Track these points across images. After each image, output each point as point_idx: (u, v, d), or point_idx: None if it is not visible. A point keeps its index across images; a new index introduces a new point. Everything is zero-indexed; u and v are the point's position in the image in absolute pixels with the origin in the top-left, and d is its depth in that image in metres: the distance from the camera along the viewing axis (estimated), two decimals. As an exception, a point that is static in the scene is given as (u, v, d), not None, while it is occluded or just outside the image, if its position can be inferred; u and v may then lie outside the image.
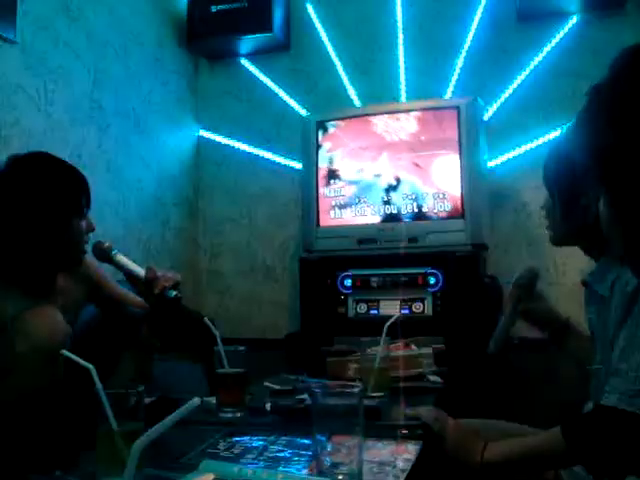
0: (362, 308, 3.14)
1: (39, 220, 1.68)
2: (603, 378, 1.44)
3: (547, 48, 3.48)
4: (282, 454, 1.32)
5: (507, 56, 3.56)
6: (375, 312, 3.12)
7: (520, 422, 1.87)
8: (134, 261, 1.91)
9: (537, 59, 3.49)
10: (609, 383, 1.34)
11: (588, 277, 1.60)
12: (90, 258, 1.92)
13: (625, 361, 1.32)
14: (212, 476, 0.89)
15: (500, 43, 3.57)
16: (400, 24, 3.70)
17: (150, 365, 1.92)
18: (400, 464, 1.24)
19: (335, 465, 1.09)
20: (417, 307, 3.04)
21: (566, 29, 3.46)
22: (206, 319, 1.77)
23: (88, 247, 1.86)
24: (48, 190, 1.71)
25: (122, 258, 1.86)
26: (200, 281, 4.02)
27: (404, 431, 1.45)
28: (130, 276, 1.88)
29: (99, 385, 1.15)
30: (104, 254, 1.85)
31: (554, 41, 3.47)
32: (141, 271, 1.84)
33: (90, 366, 1.19)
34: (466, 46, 3.59)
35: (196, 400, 0.67)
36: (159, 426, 0.66)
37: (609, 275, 1.49)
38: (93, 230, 1.83)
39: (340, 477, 1.07)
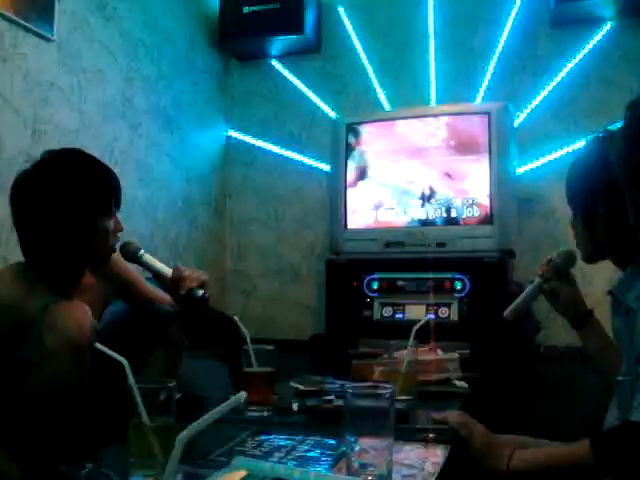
0: (387, 311, 3.14)
1: (68, 218, 1.69)
2: (629, 390, 1.42)
3: (580, 55, 3.45)
4: (310, 454, 1.32)
5: (539, 62, 3.54)
6: (400, 316, 3.11)
7: (543, 430, 1.85)
8: (161, 260, 1.92)
9: (569, 66, 3.47)
10: (636, 398, 1.32)
11: (615, 287, 1.58)
12: (118, 257, 1.93)
13: None
14: (244, 472, 0.89)
15: (532, 49, 3.56)
16: (432, 28, 3.70)
17: (178, 363, 1.92)
18: (429, 468, 1.24)
19: (364, 466, 1.10)
20: (443, 312, 3.03)
21: (599, 36, 3.43)
22: (235, 318, 1.78)
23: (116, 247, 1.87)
24: (78, 188, 1.71)
25: (149, 258, 1.86)
26: (225, 281, 4.04)
27: (432, 435, 1.45)
28: (157, 276, 1.88)
29: (132, 379, 1.17)
30: (131, 255, 1.86)
31: (587, 48, 3.44)
32: (168, 271, 1.84)
33: (124, 360, 1.20)
34: (497, 51, 3.57)
35: (242, 394, 0.68)
36: (204, 419, 0.66)
37: (636, 285, 1.47)
38: (121, 230, 1.84)
39: (370, 478, 1.07)
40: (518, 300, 1.92)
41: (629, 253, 1.55)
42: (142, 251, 1.87)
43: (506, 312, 1.93)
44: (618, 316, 1.58)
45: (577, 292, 1.88)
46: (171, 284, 1.82)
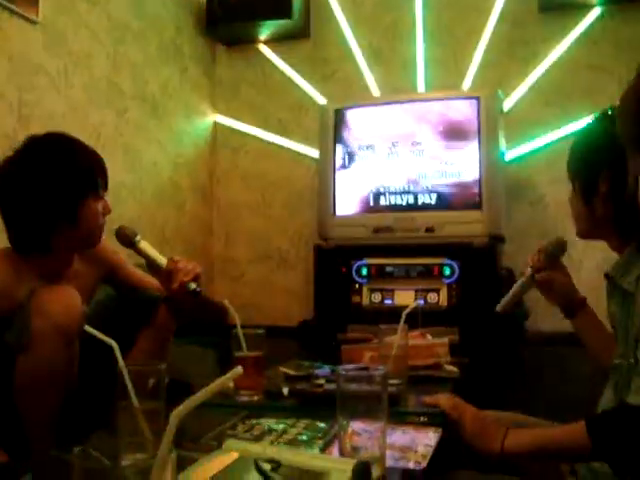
0: (376, 297, 3.13)
1: (55, 200, 1.68)
2: (625, 373, 1.42)
3: (568, 40, 3.45)
4: (301, 437, 1.32)
5: (527, 47, 3.54)
6: (389, 302, 3.11)
7: (531, 412, 1.86)
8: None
9: (557, 51, 3.46)
10: (634, 381, 1.32)
11: (611, 271, 1.58)
12: (105, 241, 1.91)
13: None
14: (236, 455, 0.88)
15: (520, 34, 3.55)
16: (420, 14, 3.68)
17: (167, 347, 1.91)
18: (421, 450, 1.23)
19: (356, 449, 1.09)
20: (432, 297, 3.03)
21: (587, 21, 3.43)
22: (226, 302, 1.77)
23: (105, 229, 1.86)
24: (64, 170, 1.71)
25: (145, 245, 1.85)
26: (213, 267, 4.02)
27: (423, 418, 1.45)
28: (151, 264, 1.87)
29: (121, 362, 1.16)
30: (127, 239, 1.84)
31: (575, 33, 3.44)
32: (163, 260, 1.83)
33: (113, 343, 1.19)
34: (486, 37, 3.56)
35: (239, 369, 0.67)
36: (198, 395, 0.65)
37: (634, 268, 1.47)
38: (109, 212, 1.82)
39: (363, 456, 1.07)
40: (510, 293, 1.91)
41: (626, 234, 1.55)
42: (138, 237, 1.85)
43: (498, 306, 1.92)
44: (614, 299, 1.58)
45: (570, 280, 1.88)
46: (164, 275, 1.81)
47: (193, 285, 1.79)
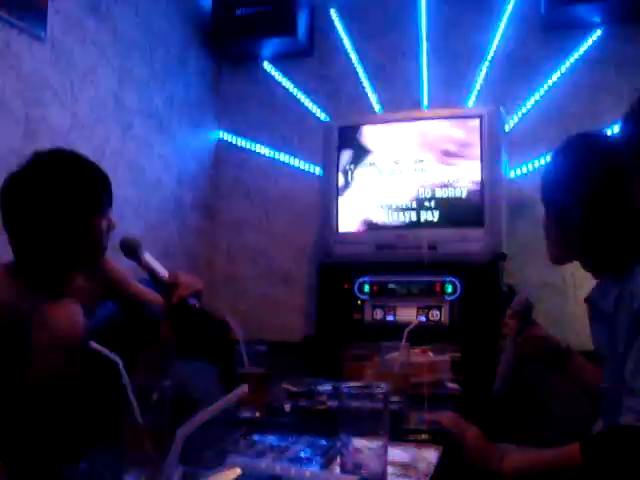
0: (379, 314, 3.14)
1: (60, 217, 1.68)
2: (614, 396, 1.43)
3: (571, 60, 3.47)
4: (303, 454, 1.32)
5: (530, 67, 3.55)
6: (392, 318, 3.11)
7: (533, 431, 1.86)
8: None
9: (560, 71, 3.49)
10: (624, 403, 1.33)
11: (590, 295, 1.60)
12: (109, 256, 1.91)
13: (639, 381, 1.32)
14: (239, 471, 0.89)
15: (523, 54, 3.57)
16: (424, 32, 3.71)
17: (168, 363, 1.92)
18: (422, 468, 1.24)
19: (358, 465, 1.10)
20: (434, 315, 3.03)
21: (590, 42, 3.45)
22: (229, 317, 1.77)
23: (110, 243, 1.86)
24: (69, 187, 1.70)
25: (149, 257, 1.85)
26: (216, 283, 4.03)
27: (424, 436, 1.46)
28: (153, 276, 1.87)
29: (126, 378, 1.16)
30: (132, 250, 1.83)
31: (577, 53, 3.46)
32: (165, 273, 1.83)
33: (117, 359, 1.19)
34: (489, 56, 3.59)
35: (244, 388, 0.68)
36: (203, 413, 0.66)
37: (611, 291, 1.49)
38: (114, 228, 1.82)
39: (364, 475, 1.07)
40: (500, 370, 1.86)
41: (600, 258, 1.57)
42: (142, 248, 1.84)
43: (495, 389, 1.87)
44: (597, 323, 1.60)
45: (546, 333, 1.89)
46: (165, 288, 1.82)
47: (192, 300, 1.79)
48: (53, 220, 1.68)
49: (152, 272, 1.85)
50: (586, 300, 1.61)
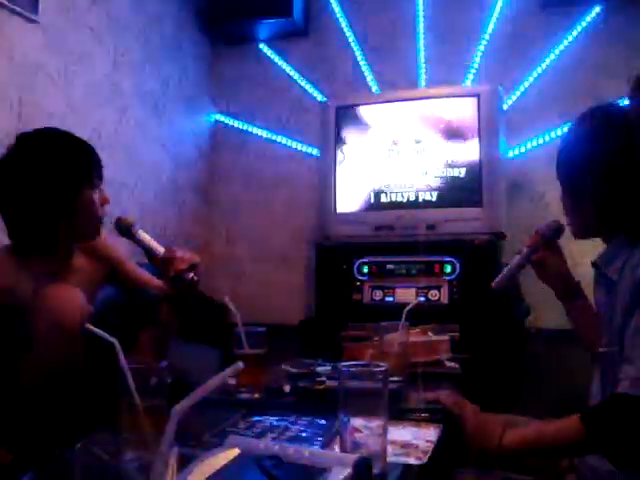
0: (378, 295, 3.13)
1: (48, 193, 1.68)
2: (611, 361, 1.44)
3: (570, 37, 3.44)
4: (302, 434, 1.32)
5: (529, 45, 3.53)
6: (391, 299, 3.11)
7: (532, 409, 1.87)
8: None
9: (559, 48, 3.46)
10: (622, 370, 1.34)
11: (598, 259, 1.60)
12: (107, 238, 1.91)
13: (638, 348, 1.33)
14: (238, 451, 0.89)
15: (522, 31, 3.54)
16: (421, 10, 3.68)
17: (167, 346, 1.91)
18: (422, 446, 1.24)
19: (358, 445, 1.09)
20: (433, 295, 3.03)
21: (589, 18, 3.42)
22: (227, 300, 1.77)
23: (108, 228, 1.86)
24: (55, 163, 1.71)
25: (144, 235, 1.85)
26: (214, 265, 4.02)
27: (424, 415, 1.46)
28: (149, 254, 1.87)
29: (123, 360, 1.15)
30: (126, 229, 1.83)
31: (577, 30, 3.44)
32: (160, 249, 1.83)
33: (114, 341, 1.19)
34: (487, 33, 3.56)
35: (240, 364, 0.67)
36: (199, 390, 0.65)
37: (618, 258, 1.50)
38: (107, 202, 1.82)
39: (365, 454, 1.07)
40: (505, 270, 1.93)
41: (616, 227, 1.57)
42: (137, 226, 1.84)
43: (494, 283, 1.94)
44: (600, 288, 1.61)
45: (564, 264, 1.89)
46: (161, 264, 1.81)
47: (189, 274, 1.79)
48: (44, 198, 1.68)
49: (148, 249, 1.85)
50: (593, 264, 1.62)
